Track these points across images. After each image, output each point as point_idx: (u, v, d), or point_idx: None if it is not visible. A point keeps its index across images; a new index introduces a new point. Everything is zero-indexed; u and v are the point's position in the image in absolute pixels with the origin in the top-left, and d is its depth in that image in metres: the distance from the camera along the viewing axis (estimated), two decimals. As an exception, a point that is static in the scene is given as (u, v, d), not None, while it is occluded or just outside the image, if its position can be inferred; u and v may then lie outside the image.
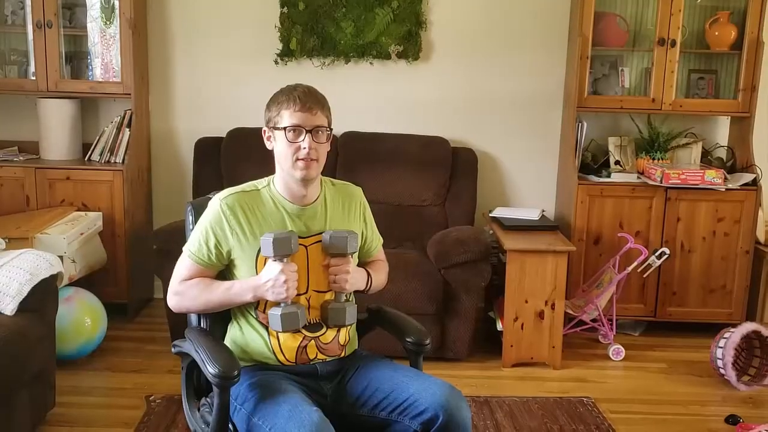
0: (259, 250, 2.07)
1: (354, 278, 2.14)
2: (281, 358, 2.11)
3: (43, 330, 2.89)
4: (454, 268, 3.66)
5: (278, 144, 2.11)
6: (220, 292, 2.09)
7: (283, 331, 2.06)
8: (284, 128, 2.07)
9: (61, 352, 3.33)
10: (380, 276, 2.34)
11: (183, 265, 2.15)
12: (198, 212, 2.21)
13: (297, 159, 2.07)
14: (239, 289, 2.08)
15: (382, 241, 2.41)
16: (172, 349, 2.20)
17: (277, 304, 2.05)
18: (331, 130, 2.15)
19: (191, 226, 2.23)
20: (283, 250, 2.00)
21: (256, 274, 2.08)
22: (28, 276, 2.80)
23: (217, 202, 2.12)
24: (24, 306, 2.76)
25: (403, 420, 2.01)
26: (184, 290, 2.14)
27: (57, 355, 3.10)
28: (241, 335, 2.16)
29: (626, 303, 4.17)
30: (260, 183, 2.20)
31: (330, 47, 4.35)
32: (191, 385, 2.20)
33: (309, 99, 2.08)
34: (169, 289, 2.18)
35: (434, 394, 1.97)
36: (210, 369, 1.90)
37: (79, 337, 3.56)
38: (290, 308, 2.03)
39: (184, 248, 2.16)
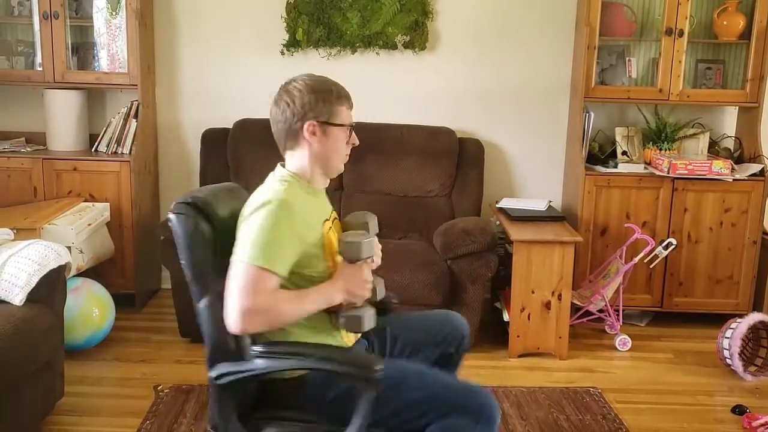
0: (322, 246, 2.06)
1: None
2: (345, 339, 2.15)
3: (52, 320, 2.90)
4: (460, 259, 3.66)
5: (330, 140, 2.10)
6: (316, 299, 2.00)
7: (362, 331, 2.09)
8: (348, 126, 2.13)
9: (70, 343, 3.35)
10: None
11: (261, 278, 1.89)
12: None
13: (346, 154, 2.15)
14: (332, 292, 2.02)
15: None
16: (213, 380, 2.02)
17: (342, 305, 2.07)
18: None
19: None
20: (369, 252, 2.07)
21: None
22: (36, 266, 2.81)
23: (280, 201, 1.97)
24: (32, 296, 2.78)
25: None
26: (273, 305, 1.91)
27: (65, 345, 3.12)
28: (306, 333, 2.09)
29: (633, 293, 4.17)
30: (284, 179, 2.10)
31: (336, 37, 4.35)
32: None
33: (347, 96, 2.14)
34: (242, 307, 1.87)
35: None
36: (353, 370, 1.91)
37: (87, 327, 3.58)
38: (369, 309, 2.08)
39: (248, 259, 1.89)
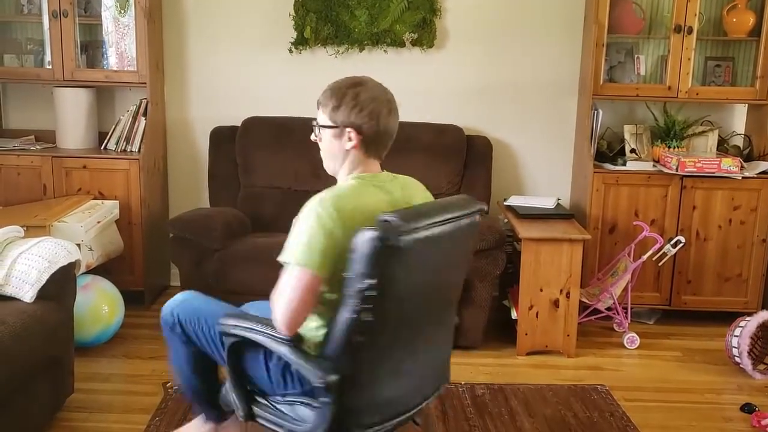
0: None
1: None
2: None
3: (62, 317, 2.92)
4: (468, 257, 3.66)
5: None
6: None
7: None
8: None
9: (79, 339, 3.37)
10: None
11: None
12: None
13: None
14: None
15: (287, 261, 1.99)
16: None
17: None
18: (327, 126, 2.14)
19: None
20: None
21: None
22: (47, 264, 2.83)
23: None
24: (42, 293, 2.79)
25: None
26: None
27: (75, 342, 3.13)
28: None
29: (641, 291, 4.16)
30: None
31: (344, 35, 4.35)
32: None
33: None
34: None
35: None
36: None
37: (97, 324, 3.60)
38: None
39: None
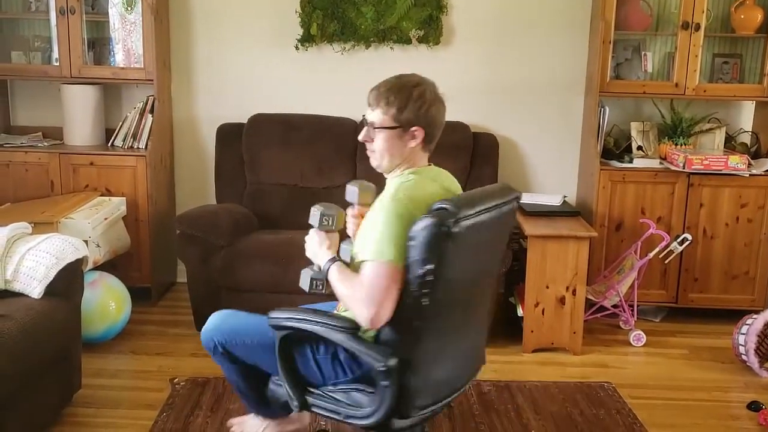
0: None
1: (311, 247, 2.23)
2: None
3: (69, 313, 2.93)
4: (474, 254, 3.66)
5: None
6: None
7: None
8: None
9: (87, 335, 3.38)
10: (341, 284, 2.11)
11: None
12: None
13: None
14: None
15: (369, 259, 2.03)
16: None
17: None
18: (391, 126, 2.15)
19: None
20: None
21: None
22: (54, 260, 2.84)
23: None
24: (50, 289, 2.80)
25: None
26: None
27: (82, 338, 3.14)
28: None
29: (647, 289, 4.15)
30: None
31: (350, 32, 4.35)
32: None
33: (369, 95, 2.18)
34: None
35: None
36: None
37: (104, 320, 3.61)
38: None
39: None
